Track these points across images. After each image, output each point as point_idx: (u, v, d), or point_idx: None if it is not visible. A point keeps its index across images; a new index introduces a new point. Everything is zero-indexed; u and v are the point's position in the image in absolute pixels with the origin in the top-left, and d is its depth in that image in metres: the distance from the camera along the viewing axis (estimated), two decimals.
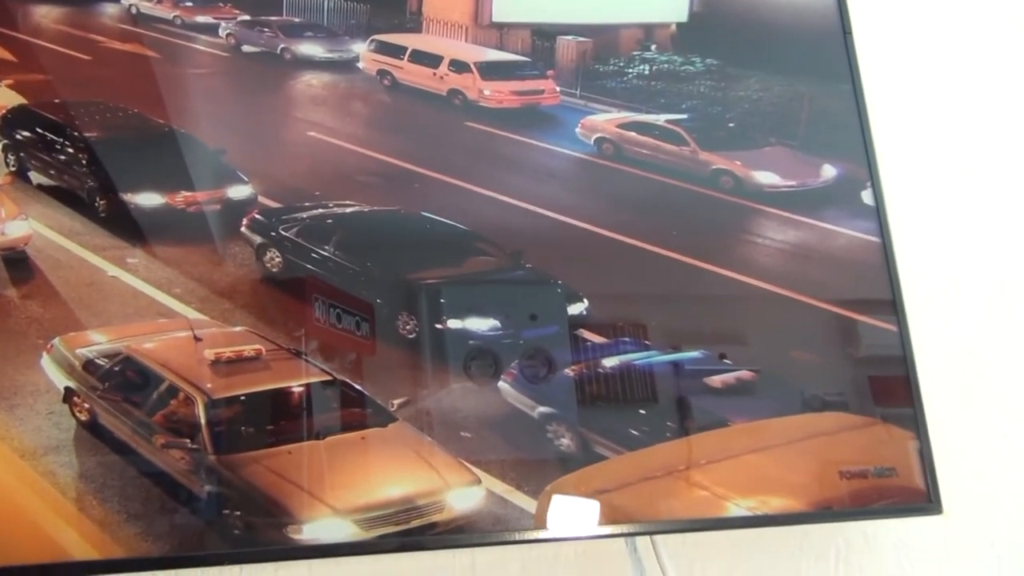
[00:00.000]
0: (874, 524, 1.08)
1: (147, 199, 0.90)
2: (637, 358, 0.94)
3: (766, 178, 1.07)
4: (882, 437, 0.99)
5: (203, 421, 0.82)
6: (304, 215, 0.94)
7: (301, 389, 0.86)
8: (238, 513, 0.80)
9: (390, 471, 0.85)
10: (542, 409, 0.90)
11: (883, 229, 1.06)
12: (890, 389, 1.01)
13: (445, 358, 0.90)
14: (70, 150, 0.92)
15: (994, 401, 1.18)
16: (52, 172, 0.92)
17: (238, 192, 0.93)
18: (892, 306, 1.03)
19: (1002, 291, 1.23)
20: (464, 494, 0.85)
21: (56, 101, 0.93)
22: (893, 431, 0.99)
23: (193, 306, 0.87)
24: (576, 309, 0.95)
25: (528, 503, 0.86)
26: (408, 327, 0.90)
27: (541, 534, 0.86)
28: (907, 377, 1.01)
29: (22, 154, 0.92)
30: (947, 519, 1.07)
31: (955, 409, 1.15)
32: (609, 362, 0.94)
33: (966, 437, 1.15)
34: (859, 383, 1.00)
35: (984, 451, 1.15)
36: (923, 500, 0.98)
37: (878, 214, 1.06)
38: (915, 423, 0.99)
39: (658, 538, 0.98)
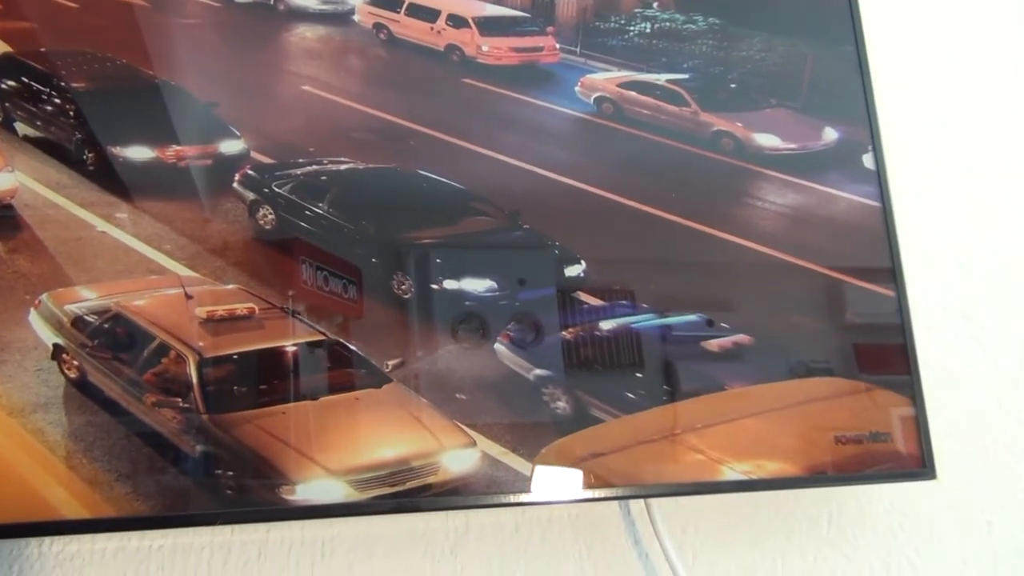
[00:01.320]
0: (867, 489, 1.09)
1: (137, 153, 0.89)
2: (634, 321, 0.94)
3: (767, 140, 1.06)
4: (877, 402, 1.00)
5: (195, 380, 0.82)
6: (298, 171, 0.93)
7: (295, 349, 0.85)
8: (230, 473, 0.80)
9: (384, 432, 0.85)
10: (538, 371, 0.90)
11: (883, 193, 1.06)
12: (886, 355, 1.02)
13: (440, 319, 0.90)
14: (57, 101, 0.90)
15: (989, 367, 1.18)
16: (39, 123, 0.90)
17: (230, 147, 0.91)
18: (891, 271, 1.04)
19: (999, 258, 1.23)
20: (459, 456, 0.85)
21: (42, 50, 0.91)
22: (888, 396, 1.00)
23: (184, 263, 0.86)
24: (573, 271, 0.95)
25: (523, 466, 0.86)
26: (403, 287, 0.90)
27: (536, 497, 0.86)
28: (904, 343, 1.02)
29: (7, 104, 0.90)
30: (940, 485, 1.08)
31: (950, 375, 1.16)
32: (606, 325, 0.94)
33: (961, 403, 1.15)
34: (855, 348, 1.00)
35: (978, 417, 1.16)
36: (917, 466, 0.99)
37: (879, 178, 1.07)
38: (911, 389, 1.01)
39: (652, 501, 0.98)
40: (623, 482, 0.89)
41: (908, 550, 1.09)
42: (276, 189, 0.92)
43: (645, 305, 0.95)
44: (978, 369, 1.18)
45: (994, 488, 1.14)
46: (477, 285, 0.91)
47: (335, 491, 0.81)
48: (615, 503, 1.00)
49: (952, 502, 1.12)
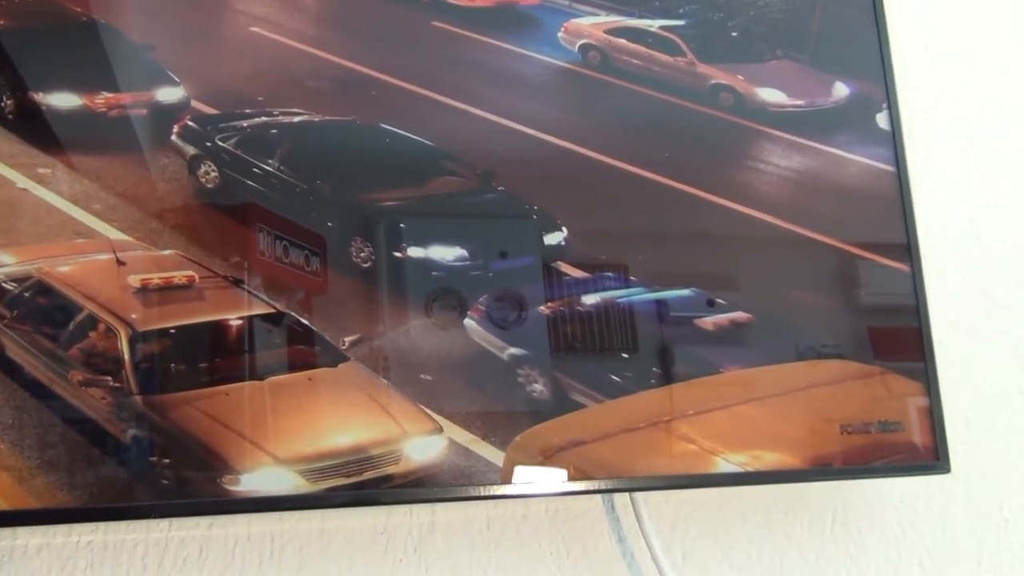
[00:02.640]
0: (875, 484, 1.10)
1: (62, 100, 0.87)
2: (620, 296, 0.94)
3: (771, 96, 1.06)
4: (887, 389, 1.00)
5: (127, 357, 0.81)
6: (245, 124, 0.92)
7: (240, 322, 0.85)
8: (167, 461, 0.80)
9: (340, 416, 0.85)
10: (513, 350, 0.90)
11: (899, 158, 1.06)
12: (899, 336, 1.03)
13: (404, 291, 0.89)
14: None
15: (1011, 352, 1.19)
16: None
17: (168, 95, 0.90)
18: (905, 244, 1.05)
19: (1022, 227, 1.23)
20: (423, 444, 0.85)
21: None
22: (900, 382, 1.01)
23: (115, 225, 0.85)
24: (553, 239, 0.95)
25: (495, 455, 0.86)
26: (362, 255, 0.89)
27: (509, 490, 0.87)
28: (918, 323, 1.02)
29: None
30: (954, 479, 1.09)
31: (968, 359, 1.16)
32: (589, 299, 0.94)
33: (978, 390, 1.16)
34: (864, 329, 1.01)
35: (997, 406, 1.17)
36: (930, 458, 1.00)
37: (894, 140, 1.07)
38: (924, 374, 1.01)
39: (639, 495, 0.98)
40: (606, 474, 0.89)
41: (919, 550, 1.10)
42: (220, 143, 0.91)
43: (633, 278, 0.95)
44: (998, 353, 1.18)
45: (1013, 483, 1.15)
46: (445, 253, 0.91)
47: (284, 482, 0.81)
48: (597, 497, 1.00)
49: (967, 498, 1.13)
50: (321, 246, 0.88)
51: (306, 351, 0.86)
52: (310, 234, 0.88)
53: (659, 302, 0.96)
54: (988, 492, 1.14)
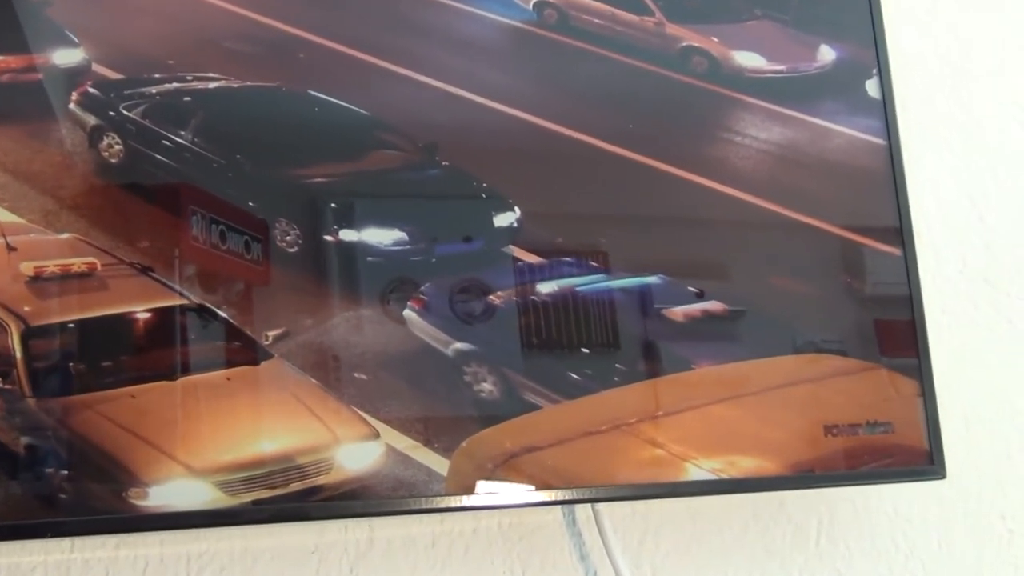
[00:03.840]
0: (864, 491, 1.11)
1: None
2: (580, 284, 0.95)
3: (749, 60, 1.06)
4: (877, 386, 1.01)
5: (18, 355, 0.81)
6: (154, 90, 0.91)
7: (148, 315, 0.84)
8: (65, 473, 0.79)
9: (263, 421, 0.84)
10: (458, 346, 0.90)
11: (890, 129, 1.07)
12: (890, 327, 1.04)
13: (336, 279, 0.89)
14: None
15: (1015, 344, 1.20)
16: None
17: (66, 57, 0.89)
18: (897, 226, 1.05)
19: None
20: (357, 451, 0.85)
21: None
22: (891, 378, 1.02)
23: (5, 205, 0.84)
24: (505, 220, 0.95)
25: (439, 463, 0.86)
26: (288, 239, 0.89)
27: (456, 502, 0.86)
28: (911, 312, 1.03)
29: None
30: (951, 485, 1.10)
31: (967, 353, 1.17)
32: (545, 288, 0.94)
33: (979, 387, 1.17)
34: (852, 318, 1.03)
35: (999, 404, 1.18)
36: (924, 462, 1.00)
37: (885, 110, 1.08)
38: (918, 369, 1.02)
39: (602, 507, 0.98)
40: (565, 483, 0.89)
41: (913, 565, 1.11)
42: (125, 112, 0.90)
43: (593, 264, 0.96)
44: (1000, 345, 1.19)
45: (1017, 490, 1.16)
46: (382, 236, 0.91)
47: (199, 495, 0.81)
48: (556, 509, 1.00)
49: (966, 507, 1.14)
50: (263, 231, 0.88)
51: (223, 347, 0.85)
52: (250, 217, 0.88)
53: (624, 291, 0.96)
54: (989, 500, 1.15)
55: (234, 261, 0.87)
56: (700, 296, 0.98)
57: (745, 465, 0.94)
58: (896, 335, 1.03)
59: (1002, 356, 1.19)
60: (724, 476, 0.93)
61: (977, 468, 1.15)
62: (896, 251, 1.05)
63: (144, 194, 0.88)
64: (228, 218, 0.87)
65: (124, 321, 0.84)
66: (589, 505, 0.98)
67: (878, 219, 1.05)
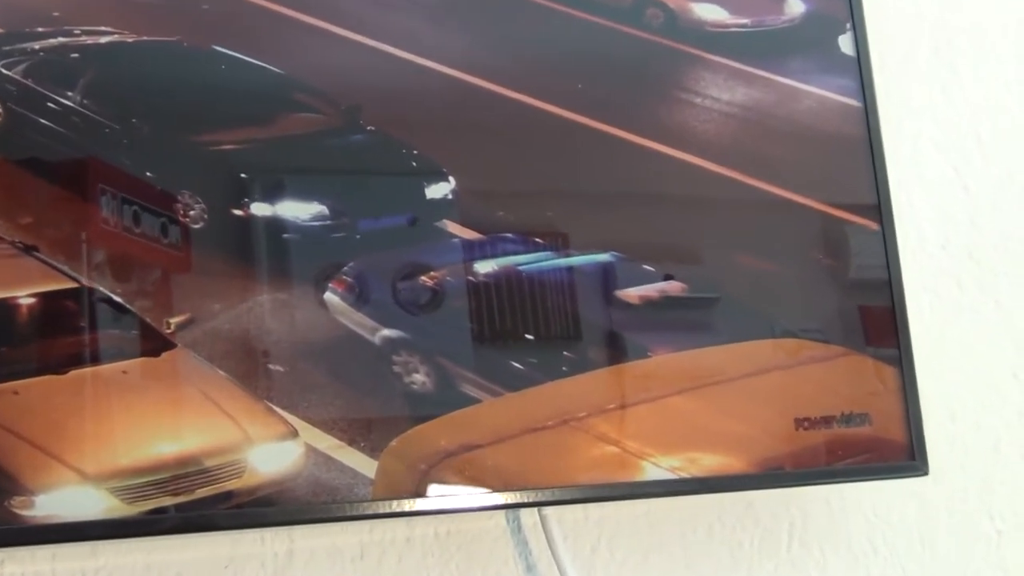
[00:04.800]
0: (840, 490, 1.12)
1: None
2: (523, 262, 0.95)
3: (709, 12, 1.06)
4: (853, 374, 1.02)
5: None
6: (36, 46, 0.89)
7: (31, 301, 0.83)
8: None
9: (165, 419, 0.83)
10: (386, 332, 0.89)
11: (865, 89, 1.08)
12: (866, 309, 1.05)
13: (248, 258, 0.89)
14: None
15: (1003, 327, 1.21)
16: None
17: None
18: (874, 196, 1.06)
19: (1016, 177, 1.25)
20: (272, 451, 0.85)
21: None
22: (868, 365, 1.03)
23: None
24: (438, 191, 0.95)
25: (366, 464, 0.86)
26: (192, 213, 0.88)
27: (385, 508, 0.86)
28: (890, 292, 1.04)
29: None
30: (935, 483, 1.11)
31: (951, 337, 1.18)
32: (484, 267, 0.93)
33: (964, 374, 1.18)
34: (825, 299, 1.04)
35: (986, 393, 1.18)
36: (904, 458, 1.01)
37: (859, 68, 1.08)
38: (898, 354, 1.03)
39: (549, 512, 0.98)
40: (508, 485, 0.89)
41: (893, 569, 1.12)
42: (3, 71, 0.88)
43: (538, 240, 0.95)
44: (988, 329, 1.21)
45: (1006, 486, 1.17)
46: (299, 211, 0.90)
47: (93, 503, 0.80)
48: (499, 515, 1.00)
49: (951, 506, 1.15)
50: (206, 211, 0.88)
51: (119, 336, 0.84)
52: (168, 196, 0.87)
53: (573, 270, 0.96)
54: (976, 498, 1.16)
55: (150, 246, 0.86)
56: (669, 279, 0.98)
57: (708, 463, 0.94)
58: (873, 318, 1.04)
59: (989, 340, 1.21)
60: (685, 475, 0.93)
61: (962, 464, 1.16)
62: (873, 225, 1.06)
63: (30, 166, 0.86)
64: (142, 197, 0.86)
65: (4, 307, 0.82)
66: (535, 509, 0.98)
67: (852, 189, 1.07)
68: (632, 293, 0.97)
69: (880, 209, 1.06)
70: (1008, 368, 1.20)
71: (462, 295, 0.92)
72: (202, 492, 0.82)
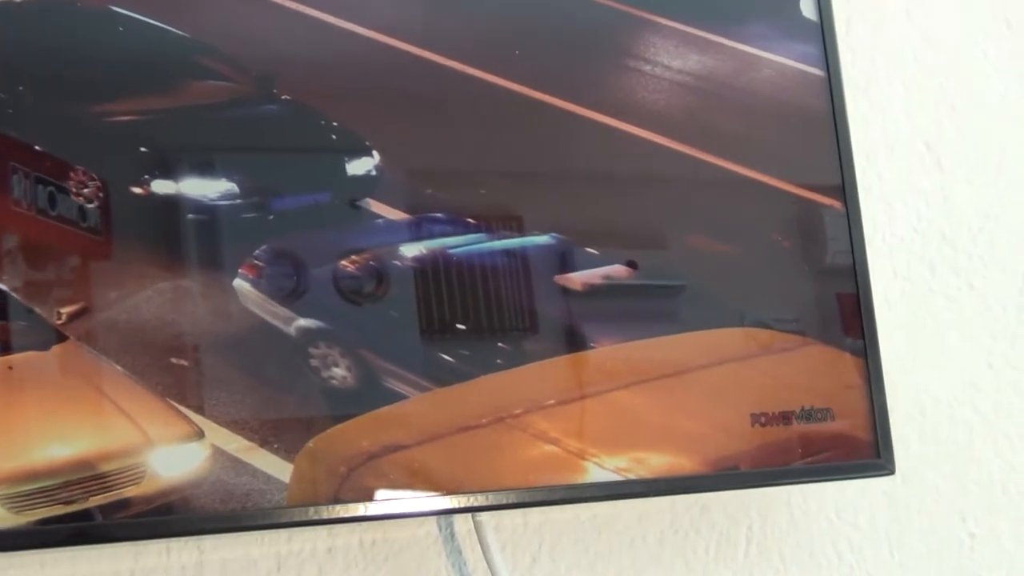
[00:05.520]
0: (802, 491, 1.13)
1: None
2: (455, 245, 0.94)
3: None
4: (814, 365, 1.03)
5: None
6: None
7: None
8: None
9: (54, 419, 0.82)
10: (303, 322, 0.89)
11: (829, 56, 1.09)
12: (830, 294, 1.06)
13: (148, 241, 0.87)
14: None
15: (976, 313, 1.21)
16: None
17: None
18: (838, 174, 1.07)
19: (995, 151, 1.25)
20: (175, 454, 0.84)
21: None
22: (830, 356, 1.04)
23: None
24: (360, 167, 0.94)
25: (280, 467, 0.85)
26: (86, 191, 0.87)
27: (303, 515, 0.85)
28: (854, 276, 1.05)
29: None
30: (904, 482, 1.11)
31: (920, 325, 1.18)
32: (410, 250, 0.93)
33: (934, 365, 1.18)
34: (783, 284, 1.05)
35: (958, 385, 1.19)
36: (870, 455, 1.02)
37: (823, 33, 1.09)
38: (863, 344, 1.03)
39: (484, 518, 0.98)
40: (439, 489, 0.89)
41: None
42: None
43: (472, 221, 0.95)
44: (961, 315, 1.21)
45: (979, 487, 1.18)
46: (206, 188, 0.89)
47: None
48: (429, 521, 1.00)
49: (921, 507, 1.15)
50: (102, 190, 0.86)
51: (5, 328, 0.83)
52: (85, 175, 0.86)
53: (509, 254, 0.96)
54: (947, 498, 1.17)
55: (65, 230, 0.85)
56: (632, 265, 0.98)
57: (657, 463, 0.94)
58: (838, 304, 1.04)
59: (962, 328, 1.21)
60: (632, 477, 0.93)
61: (932, 462, 1.16)
62: (838, 205, 1.06)
63: None
64: (33, 169, 0.85)
65: None
66: (469, 516, 0.98)
67: (815, 166, 1.08)
68: (575, 278, 0.97)
69: (843, 187, 1.07)
70: (983, 357, 1.21)
71: (387, 281, 0.92)
72: (97, 499, 0.81)
